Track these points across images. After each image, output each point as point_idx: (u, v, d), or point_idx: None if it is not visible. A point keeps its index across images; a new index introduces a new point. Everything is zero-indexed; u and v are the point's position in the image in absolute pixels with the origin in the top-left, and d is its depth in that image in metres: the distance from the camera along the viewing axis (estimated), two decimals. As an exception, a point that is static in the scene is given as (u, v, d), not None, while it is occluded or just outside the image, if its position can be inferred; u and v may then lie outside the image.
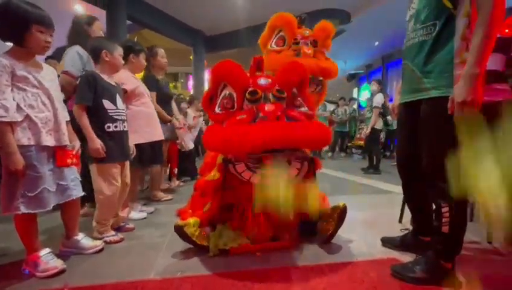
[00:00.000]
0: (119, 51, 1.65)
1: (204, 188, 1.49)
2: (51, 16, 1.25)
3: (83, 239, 1.45)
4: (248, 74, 1.49)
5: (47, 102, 1.25)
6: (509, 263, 1.35)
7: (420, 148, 1.20)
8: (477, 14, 1.01)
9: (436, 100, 1.10)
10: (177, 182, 3.30)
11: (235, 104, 1.37)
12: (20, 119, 1.14)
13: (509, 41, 1.53)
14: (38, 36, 1.19)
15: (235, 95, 1.37)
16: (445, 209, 1.10)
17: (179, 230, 1.35)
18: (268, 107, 1.29)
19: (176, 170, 3.33)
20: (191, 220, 1.38)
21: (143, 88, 2.03)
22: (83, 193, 1.40)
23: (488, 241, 1.54)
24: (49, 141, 1.23)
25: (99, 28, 2.03)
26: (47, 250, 1.28)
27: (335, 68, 1.98)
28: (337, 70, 1.99)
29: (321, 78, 1.97)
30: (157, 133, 2.10)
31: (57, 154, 1.28)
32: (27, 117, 1.16)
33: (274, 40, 2.01)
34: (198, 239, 1.37)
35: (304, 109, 1.47)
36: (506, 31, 1.52)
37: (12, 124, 1.12)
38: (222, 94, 1.42)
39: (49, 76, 1.30)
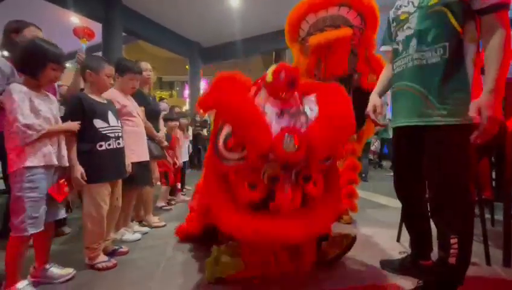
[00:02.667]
0: (106, 71, 1.59)
1: (199, 211, 1.45)
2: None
3: (51, 268, 1.39)
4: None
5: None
6: (509, 287, 1.34)
7: (422, 175, 1.17)
8: (484, 39, 1.01)
9: (451, 127, 1.06)
10: (181, 197, 3.27)
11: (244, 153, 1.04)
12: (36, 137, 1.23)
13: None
14: (50, 73, 1.32)
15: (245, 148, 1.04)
16: (453, 241, 1.07)
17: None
18: (284, 193, 1.03)
19: (179, 185, 3.27)
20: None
21: (132, 107, 1.96)
22: (65, 215, 1.46)
23: (486, 263, 1.53)
24: (55, 161, 1.31)
25: (32, 34, 1.76)
26: (25, 282, 1.25)
27: None
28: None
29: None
30: (144, 153, 2.04)
31: (53, 194, 1.31)
32: (39, 139, 1.25)
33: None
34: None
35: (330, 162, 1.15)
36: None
37: (26, 145, 1.22)
38: (225, 131, 1.08)
39: (55, 103, 1.42)
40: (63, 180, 1.38)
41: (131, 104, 1.98)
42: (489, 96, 0.97)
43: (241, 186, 1.06)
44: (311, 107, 1.12)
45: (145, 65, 2.34)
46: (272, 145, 0.97)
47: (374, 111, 1.38)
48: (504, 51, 0.97)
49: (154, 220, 2.33)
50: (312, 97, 1.16)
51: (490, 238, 1.61)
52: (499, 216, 1.83)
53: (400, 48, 1.22)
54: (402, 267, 1.43)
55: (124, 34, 6.31)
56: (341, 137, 1.06)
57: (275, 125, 1.02)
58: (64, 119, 1.47)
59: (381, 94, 1.43)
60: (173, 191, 3.21)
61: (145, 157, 2.03)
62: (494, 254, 1.55)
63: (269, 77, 1.08)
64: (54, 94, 1.64)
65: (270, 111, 1.05)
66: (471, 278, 1.37)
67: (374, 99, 1.40)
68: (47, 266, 1.39)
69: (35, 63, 1.29)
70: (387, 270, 1.47)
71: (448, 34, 1.06)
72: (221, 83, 1.08)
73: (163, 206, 2.90)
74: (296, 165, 1.03)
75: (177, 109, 3.91)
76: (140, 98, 2.15)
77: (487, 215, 2.09)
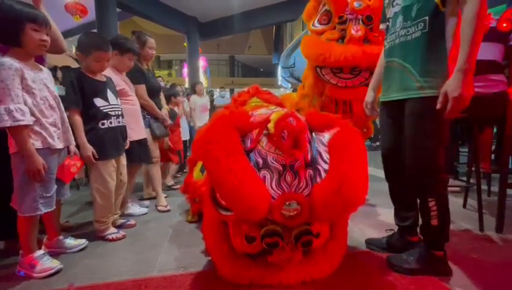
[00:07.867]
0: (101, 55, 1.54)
1: (192, 192, 1.47)
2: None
3: (65, 239, 1.46)
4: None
5: (54, 104, 1.28)
6: (499, 250, 1.40)
7: (404, 144, 1.21)
8: (462, 11, 1.03)
9: (428, 99, 1.11)
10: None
11: None
12: (32, 123, 1.16)
13: (508, 34, 1.52)
14: (32, 35, 1.16)
15: None
16: (432, 203, 1.14)
17: None
18: (282, 252, 1.02)
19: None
20: None
21: (127, 88, 1.91)
22: (69, 194, 1.49)
23: (480, 229, 1.58)
24: (58, 144, 1.28)
25: None
26: (41, 251, 1.29)
27: None
28: None
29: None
30: (142, 131, 2.02)
31: (60, 176, 1.33)
32: (38, 121, 1.19)
33: (317, 17, 1.53)
34: None
35: None
36: (504, 25, 1.51)
37: (28, 128, 1.14)
38: None
39: (50, 77, 1.32)
40: (68, 161, 1.37)
41: (126, 85, 1.93)
42: (459, 75, 1.01)
43: (239, 239, 1.01)
44: (321, 153, 1.03)
45: (152, 43, 2.23)
46: (270, 210, 0.94)
47: (366, 106, 1.46)
48: (476, 22, 0.98)
49: (162, 203, 2.19)
50: (324, 138, 1.07)
51: (485, 207, 1.67)
52: (496, 188, 1.87)
53: (390, 24, 1.26)
54: (389, 244, 1.40)
55: (118, 9, 6.07)
56: (347, 209, 0.97)
57: (275, 188, 0.97)
58: (66, 100, 1.46)
59: (376, 88, 1.45)
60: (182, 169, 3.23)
61: (143, 135, 2.02)
62: (489, 222, 1.61)
63: (271, 126, 1.01)
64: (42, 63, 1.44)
65: (271, 166, 0.99)
66: (460, 240, 1.45)
67: (368, 95, 1.46)
68: (61, 237, 1.46)
69: (11, 27, 1.12)
70: (374, 249, 1.41)
71: (428, 9, 1.09)
72: (213, 136, 0.94)
73: (173, 185, 2.89)
74: (297, 225, 0.99)
75: (178, 87, 3.81)
76: (139, 75, 2.09)
77: (484, 187, 2.14)
